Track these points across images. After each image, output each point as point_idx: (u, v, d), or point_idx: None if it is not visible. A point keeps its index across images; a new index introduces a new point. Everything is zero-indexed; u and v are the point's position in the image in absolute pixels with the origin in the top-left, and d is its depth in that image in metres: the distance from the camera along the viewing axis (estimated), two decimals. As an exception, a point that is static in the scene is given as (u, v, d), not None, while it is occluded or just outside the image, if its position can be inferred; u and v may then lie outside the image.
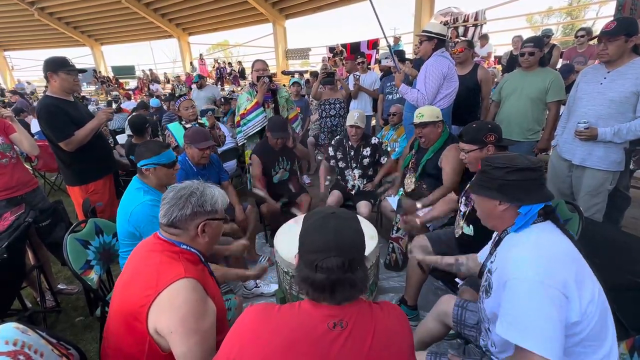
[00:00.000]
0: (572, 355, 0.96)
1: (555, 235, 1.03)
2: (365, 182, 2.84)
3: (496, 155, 1.20)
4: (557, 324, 0.89)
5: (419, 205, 2.13)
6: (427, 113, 2.24)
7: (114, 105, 6.66)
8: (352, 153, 2.81)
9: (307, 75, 8.09)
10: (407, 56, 5.47)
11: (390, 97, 4.06)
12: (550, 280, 0.90)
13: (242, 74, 13.25)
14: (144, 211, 1.60)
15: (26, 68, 20.03)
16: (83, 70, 2.29)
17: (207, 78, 12.57)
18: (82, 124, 2.28)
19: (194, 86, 6.38)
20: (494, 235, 1.24)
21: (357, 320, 0.80)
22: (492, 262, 1.15)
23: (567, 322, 0.91)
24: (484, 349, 1.22)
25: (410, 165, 2.49)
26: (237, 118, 3.21)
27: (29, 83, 15.48)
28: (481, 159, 1.20)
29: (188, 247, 1.13)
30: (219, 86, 13.06)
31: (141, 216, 1.60)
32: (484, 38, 7.50)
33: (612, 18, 2.15)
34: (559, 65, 4.78)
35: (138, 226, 1.60)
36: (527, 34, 6.74)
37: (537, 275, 0.92)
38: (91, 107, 6.98)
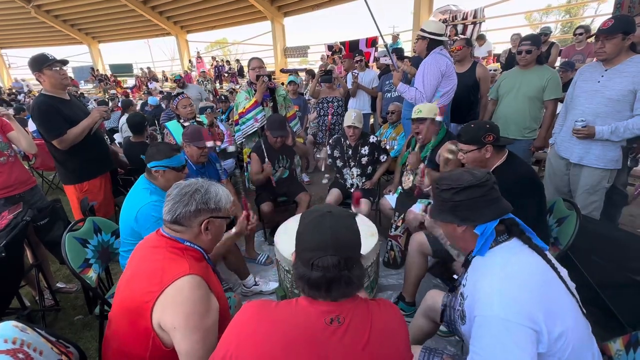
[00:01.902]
0: None
1: (524, 256, 0.98)
2: (364, 180, 2.85)
3: (443, 175, 1.13)
4: None
5: (422, 166, 2.12)
6: (425, 109, 2.26)
7: (110, 104, 6.63)
8: (350, 152, 2.82)
9: (302, 74, 8.01)
10: (406, 54, 5.46)
11: (388, 95, 4.06)
12: (518, 317, 0.86)
13: (240, 72, 13.22)
14: (148, 212, 1.62)
15: (23, 66, 19.89)
16: (65, 62, 2.27)
17: (207, 76, 12.52)
18: (77, 123, 2.27)
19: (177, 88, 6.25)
20: (461, 255, 1.21)
21: (354, 316, 0.81)
22: (464, 285, 1.11)
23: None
24: None
25: (407, 163, 2.50)
26: (235, 116, 3.21)
27: (24, 81, 15.39)
28: (434, 180, 1.16)
29: (192, 245, 1.14)
30: (218, 84, 13.04)
31: (146, 216, 1.62)
32: (481, 38, 7.51)
33: (610, 16, 2.15)
34: (557, 63, 4.79)
35: (143, 226, 1.62)
36: (525, 32, 6.76)
37: (503, 311, 0.88)
38: (91, 106, 6.94)
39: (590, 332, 0.96)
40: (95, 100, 9.00)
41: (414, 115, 2.29)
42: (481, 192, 1.02)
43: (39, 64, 2.16)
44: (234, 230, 1.58)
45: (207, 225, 1.15)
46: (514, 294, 0.90)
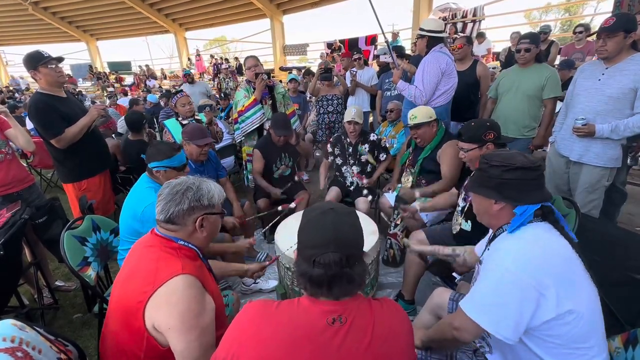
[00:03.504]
0: (561, 356, 0.95)
1: (550, 235, 1.01)
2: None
3: (495, 152, 1.16)
4: (514, 315, 0.91)
5: (417, 194, 2.13)
6: (420, 114, 2.23)
7: (108, 102, 6.58)
8: (350, 150, 2.81)
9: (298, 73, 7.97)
10: (405, 52, 5.44)
11: (388, 93, 4.05)
12: (526, 276, 0.91)
13: (239, 69, 13.17)
14: (154, 211, 1.60)
15: (21, 64, 19.68)
16: (61, 59, 2.25)
17: (204, 74, 12.45)
18: (74, 121, 2.26)
19: (185, 82, 6.26)
20: (490, 231, 1.24)
21: (357, 316, 0.81)
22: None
23: (541, 319, 0.92)
24: (478, 344, 1.22)
25: (407, 163, 2.49)
26: (234, 115, 3.20)
27: (22, 78, 15.30)
28: (480, 156, 1.19)
29: (186, 243, 1.13)
30: (217, 82, 12.98)
31: (152, 216, 1.60)
32: (480, 36, 7.50)
33: (610, 14, 2.14)
34: (557, 62, 4.78)
35: (149, 226, 1.60)
36: (525, 30, 6.75)
37: (514, 266, 0.93)
38: (87, 103, 6.91)
39: (602, 318, 0.99)
40: (92, 98, 8.95)
41: (409, 122, 2.26)
42: (532, 176, 1.05)
43: (34, 62, 2.14)
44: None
45: (202, 222, 1.14)
46: (528, 258, 0.94)
